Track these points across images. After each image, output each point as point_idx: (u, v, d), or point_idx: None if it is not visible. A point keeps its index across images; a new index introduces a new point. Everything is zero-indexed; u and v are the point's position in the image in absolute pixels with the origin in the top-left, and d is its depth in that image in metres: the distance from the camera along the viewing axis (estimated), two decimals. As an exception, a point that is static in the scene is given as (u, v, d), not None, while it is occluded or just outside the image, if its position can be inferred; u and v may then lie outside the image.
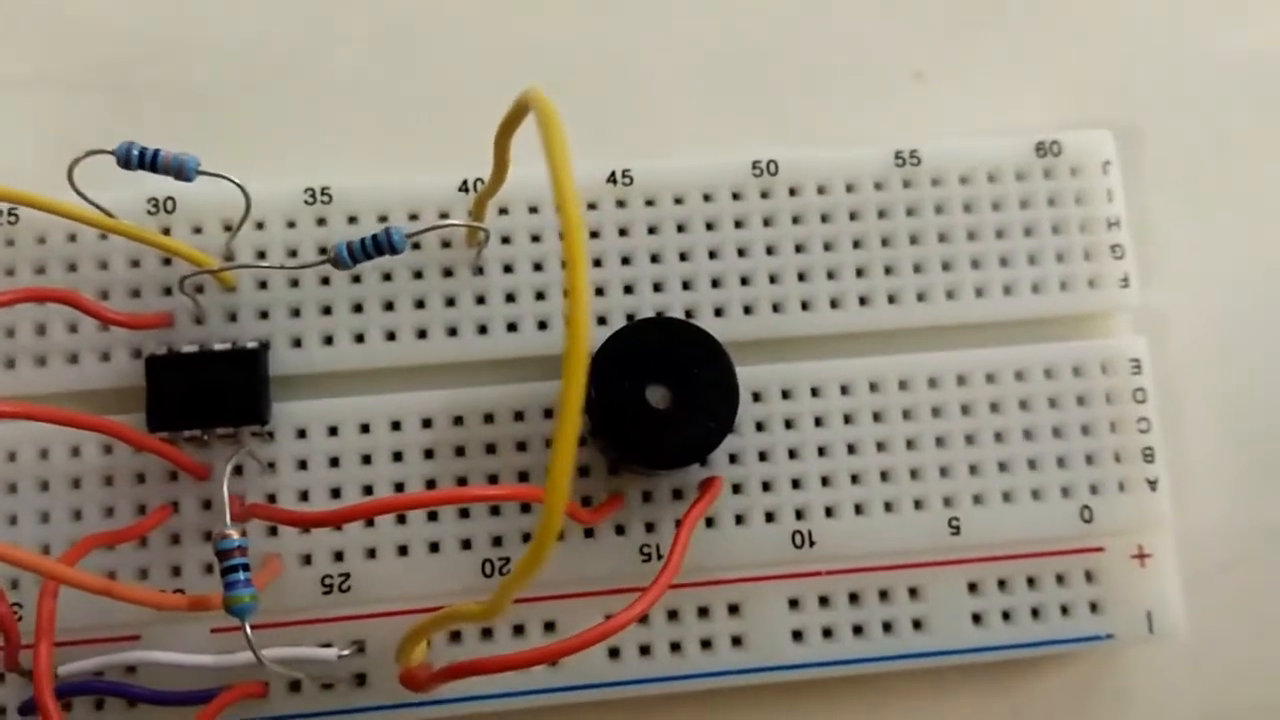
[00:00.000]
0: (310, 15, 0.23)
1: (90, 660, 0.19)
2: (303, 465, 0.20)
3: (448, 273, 0.21)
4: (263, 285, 0.21)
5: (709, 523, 0.20)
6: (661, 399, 0.19)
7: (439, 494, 0.19)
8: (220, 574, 0.17)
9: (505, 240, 0.21)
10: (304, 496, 0.20)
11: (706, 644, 0.20)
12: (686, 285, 0.21)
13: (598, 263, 0.21)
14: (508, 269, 0.21)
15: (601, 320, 0.21)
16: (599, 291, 0.21)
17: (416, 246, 0.21)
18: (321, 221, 0.21)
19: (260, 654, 0.17)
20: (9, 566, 0.19)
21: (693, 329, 0.19)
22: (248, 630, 0.17)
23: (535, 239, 0.21)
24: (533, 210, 0.21)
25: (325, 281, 0.21)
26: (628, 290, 0.21)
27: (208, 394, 0.20)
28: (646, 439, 0.19)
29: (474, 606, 0.14)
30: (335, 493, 0.20)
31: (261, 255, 0.21)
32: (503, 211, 0.21)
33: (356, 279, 0.21)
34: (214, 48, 0.23)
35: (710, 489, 0.19)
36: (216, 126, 0.22)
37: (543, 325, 0.21)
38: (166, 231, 0.21)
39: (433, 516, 0.20)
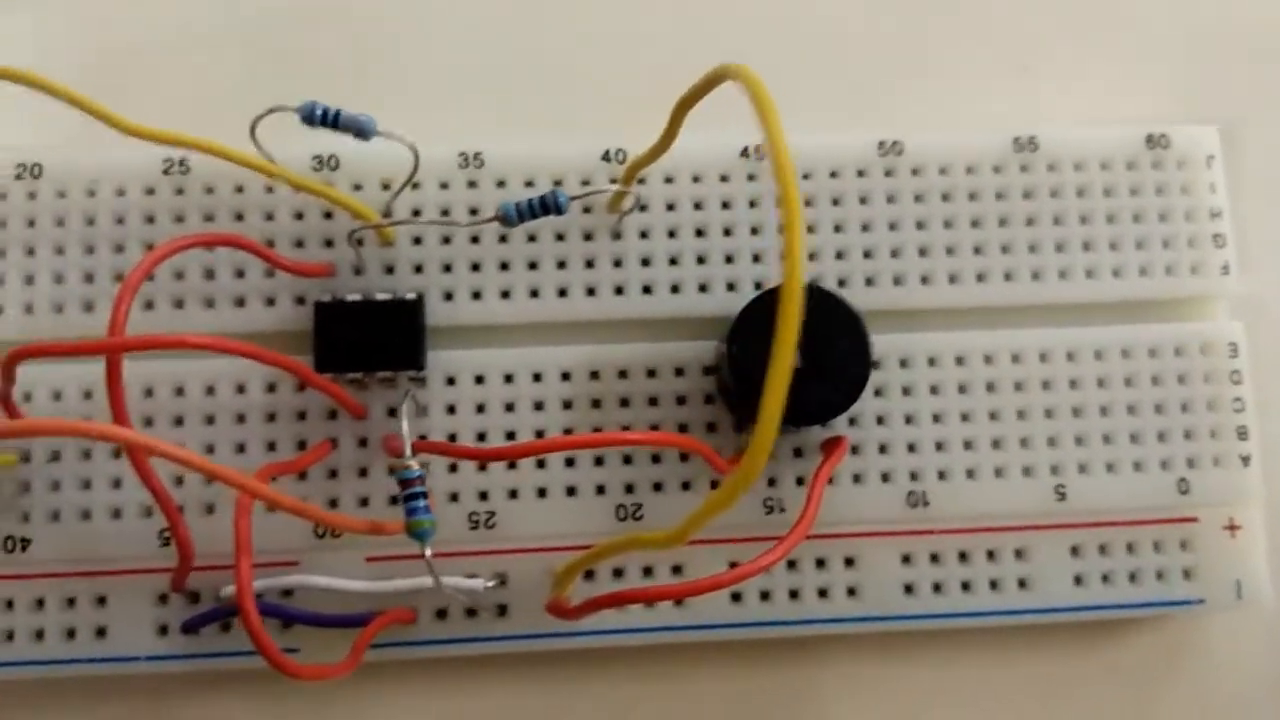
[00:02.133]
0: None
1: (258, 582, 0.20)
2: (451, 410, 0.22)
3: (588, 236, 0.22)
4: (417, 241, 0.22)
5: (829, 481, 0.22)
6: (796, 361, 0.20)
7: (600, 436, 0.20)
8: (402, 500, 0.18)
9: (642, 208, 0.22)
10: (451, 439, 0.22)
11: (823, 593, 0.22)
12: (812, 256, 0.23)
13: (727, 232, 0.23)
14: (643, 235, 0.22)
15: (730, 286, 0.22)
16: (728, 258, 0.22)
17: (587, 210, 0.22)
18: (472, 184, 0.22)
19: (439, 577, 0.18)
20: (185, 493, 0.21)
21: (832, 297, 0.20)
22: (428, 553, 0.18)
23: (670, 207, 0.22)
24: (668, 180, 0.22)
25: (475, 240, 0.22)
26: (755, 259, 0.23)
27: (371, 340, 0.21)
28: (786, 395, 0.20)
29: (658, 535, 0.15)
30: (480, 436, 0.22)
31: (416, 213, 0.22)
32: (639, 181, 0.23)
33: (503, 239, 0.22)
34: (369, 14, 0.24)
35: (838, 449, 0.21)
36: (367, 90, 0.24)
37: (675, 289, 0.22)
38: (329, 185, 0.22)
39: (569, 463, 0.22)
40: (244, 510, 0.18)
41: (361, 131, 0.20)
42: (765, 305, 0.20)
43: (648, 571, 0.22)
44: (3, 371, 0.18)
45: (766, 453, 0.14)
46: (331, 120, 0.20)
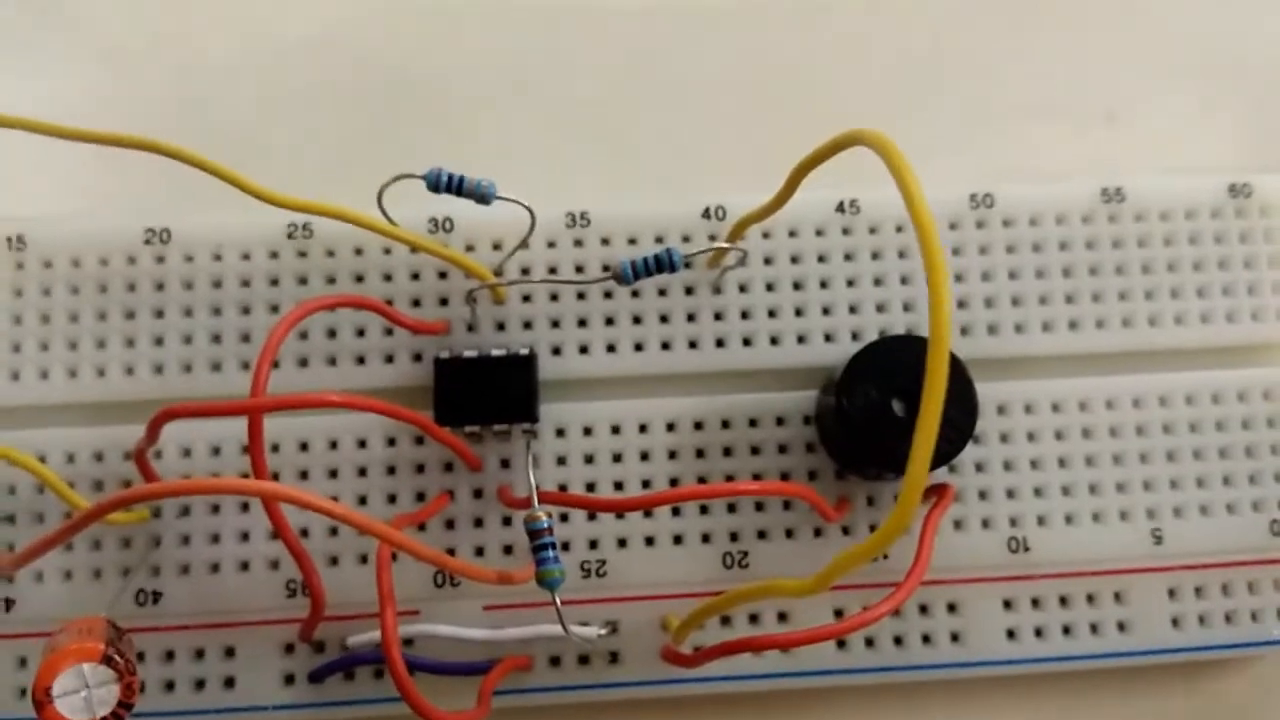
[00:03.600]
0: (555, 47, 0.25)
1: (377, 633, 0.21)
2: (561, 461, 0.22)
3: (689, 291, 0.23)
4: (527, 299, 0.23)
5: (931, 526, 0.22)
6: (903, 409, 0.21)
7: (716, 487, 0.21)
8: (532, 551, 0.19)
9: (740, 263, 0.23)
10: (561, 489, 0.22)
11: (927, 639, 0.22)
12: (906, 307, 0.23)
13: (824, 284, 0.23)
14: (743, 288, 0.23)
15: (828, 337, 0.23)
16: (825, 310, 0.23)
17: (688, 265, 0.23)
18: (579, 242, 0.23)
19: (568, 626, 0.18)
20: (310, 546, 0.21)
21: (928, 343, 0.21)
22: (557, 602, 0.19)
23: (768, 261, 0.23)
24: (765, 235, 0.23)
25: (581, 297, 0.23)
26: (852, 311, 0.23)
27: (487, 394, 0.22)
28: (889, 445, 0.21)
29: (797, 582, 0.16)
30: (589, 487, 0.22)
31: (525, 271, 0.23)
32: (739, 237, 0.23)
33: (608, 295, 0.23)
34: (473, 76, 0.25)
35: (945, 496, 0.21)
36: (471, 150, 0.25)
37: (774, 340, 0.23)
38: (446, 246, 0.23)
39: (675, 512, 0.22)
40: (385, 563, 0.18)
41: (483, 197, 0.21)
42: (870, 356, 0.21)
43: (753, 619, 0.22)
44: (149, 430, 0.19)
45: (916, 504, 0.14)
46: (455, 187, 0.21)
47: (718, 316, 0.23)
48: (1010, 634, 0.22)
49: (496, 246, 0.23)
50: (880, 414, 0.21)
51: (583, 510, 0.21)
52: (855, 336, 0.23)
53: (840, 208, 0.23)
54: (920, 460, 0.14)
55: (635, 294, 0.23)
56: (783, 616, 0.22)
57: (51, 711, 0.16)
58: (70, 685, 0.16)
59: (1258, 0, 0.26)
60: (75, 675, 0.16)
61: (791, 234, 0.23)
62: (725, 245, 0.21)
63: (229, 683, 0.22)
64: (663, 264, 0.20)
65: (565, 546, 0.22)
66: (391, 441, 0.22)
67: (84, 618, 0.18)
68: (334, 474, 0.22)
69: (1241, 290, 0.24)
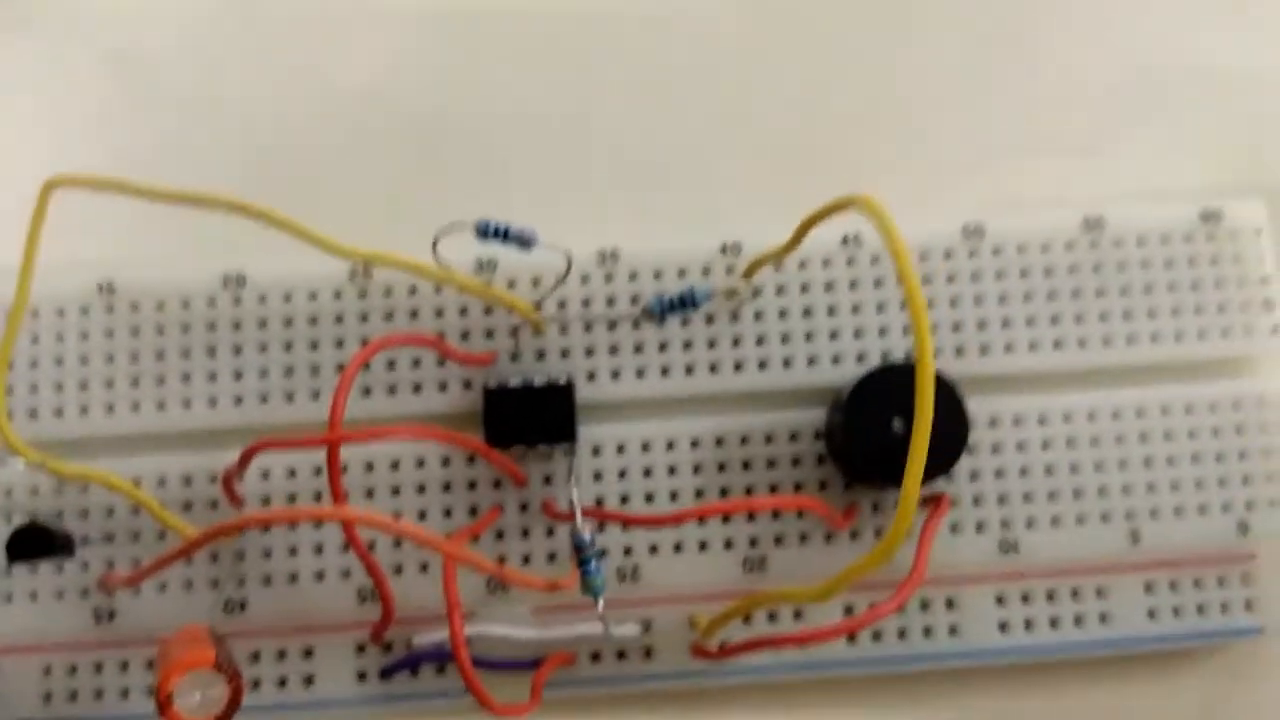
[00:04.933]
0: (587, 95, 0.28)
1: (441, 633, 0.24)
2: (597, 476, 0.25)
3: (709, 320, 0.26)
4: (563, 330, 0.25)
5: (929, 530, 0.25)
6: (902, 427, 0.23)
7: (739, 502, 0.23)
8: (578, 563, 0.21)
9: (755, 293, 0.26)
10: (598, 502, 0.25)
11: (927, 632, 0.25)
12: (906, 331, 0.26)
13: (831, 311, 0.26)
14: (757, 316, 0.26)
15: (835, 360, 0.25)
16: (832, 335, 0.26)
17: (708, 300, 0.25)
18: (609, 277, 0.26)
19: (609, 625, 0.21)
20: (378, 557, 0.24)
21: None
22: (600, 606, 0.21)
23: (780, 291, 0.26)
24: (776, 268, 0.26)
25: (612, 327, 0.25)
26: (856, 335, 0.26)
27: (531, 418, 0.24)
28: (890, 460, 0.23)
29: (809, 590, 0.18)
30: (623, 498, 0.25)
31: (562, 305, 0.25)
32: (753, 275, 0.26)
33: (636, 325, 0.25)
34: (508, 122, 0.28)
35: (942, 503, 0.24)
36: (508, 191, 0.27)
37: (786, 364, 0.25)
38: (488, 285, 0.25)
39: (700, 521, 0.25)
40: (451, 575, 0.21)
41: (526, 243, 0.23)
42: (874, 381, 0.23)
43: (771, 617, 0.25)
44: (241, 460, 0.22)
45: (909, 522, 0.17)
46: (501, 234, 0.23)
47: (735, 343, 0.26)
48: (1002, 627, 0.25)
49: (535, 282, 0.26)
50: (882, 433, 0.23)
51: (629, 524, 0.24)
52: (860, 359, 0.25)
53: (844, 241, 0.26)
54: (911, 486, 0.17)
55: (661, 324, 0.25)
56: (798, 614, 0.25)
57: (174, 713, 0.18)
58: (187, 689, 0.19)
59: (1218, 36, 0.29)
60: (191, 680, 0.19)
61: (800, 266, 0.26)
62: (734, 283, 0.24)
63: (308, 681, 0.24)
64: (687, 301, 0.23)
65: (602, 553, 0.25)
66: (446, 462, 0.25)
67: (189, 626, 0.21)
68: (396, 491, 0.25)
69: (1212, 309, 0.26)
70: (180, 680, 0.19)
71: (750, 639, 0.22)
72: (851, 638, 0.25)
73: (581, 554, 0.21)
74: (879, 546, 0.17)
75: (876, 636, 0.25)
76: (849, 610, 0.25)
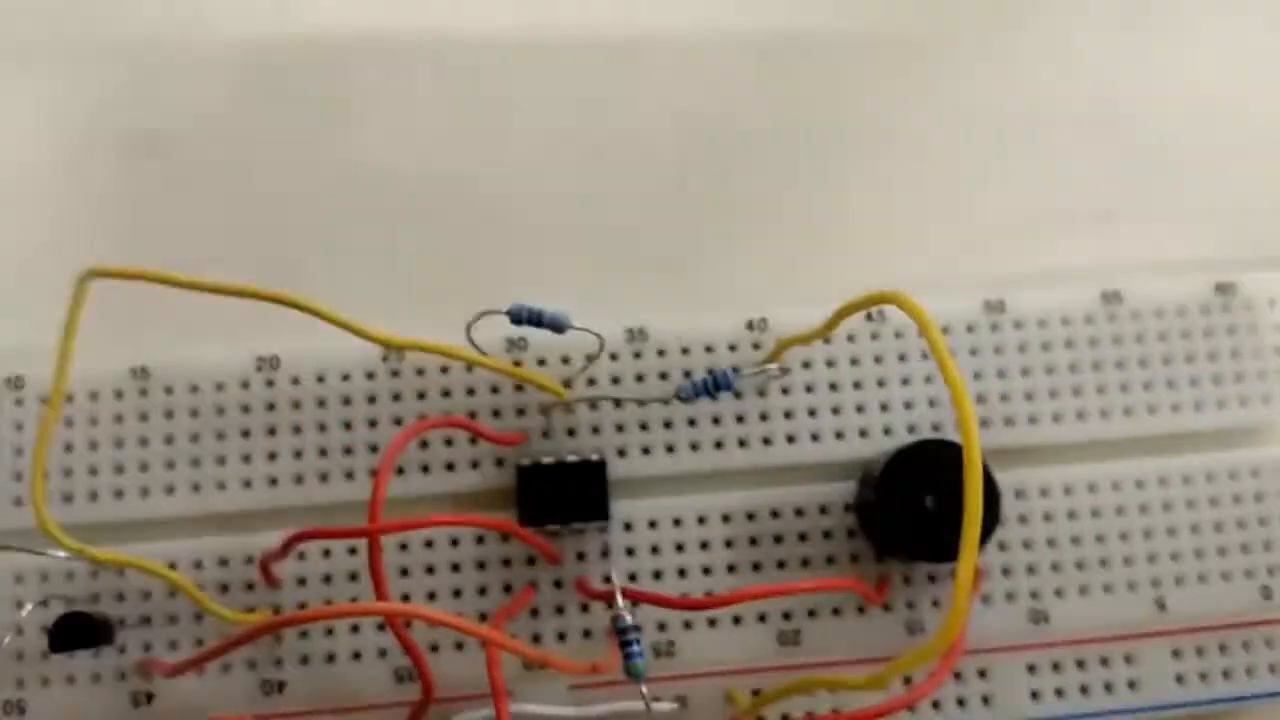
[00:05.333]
0: (605, 177, 0.28)
1: (478, 713, 0.24)
2: (629, 552, 0.25)
3: (737, 395, 0.26)
4: (593, 407, 0.26)
5: (959, 601, 0.25)
6: (933, 504, 0.24)
7: (777, 586, 0.23)
8: (620, 645, 0.21)
9: (785, 371, 0.26)
10: (631, 578, 0.25)
11: (961, 702, 0.25)
12: (931, 403, 0.26)
13: (857, 385, 0.26)
14: (785, 391, 0.26)
15: (862, 433, 0.26)
16: (858, 409, 0.26)
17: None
18: (637, 355, 0.26)
19: (651, 705, 0.21)
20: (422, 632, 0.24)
21: (958, 447, 0.24)
22: (643, 688, 0.21)
23: (806, 366, 0.26)
24: (803, 344, 0.26)
25: (641, 404, 0.26)
26: (882, 408, 0.26)
27: (565, 496, 0.24)
28: (926, 537, 0.23)
29: (862, 678, 0.18)
30: (656, 574, 0.25)
31: (591, 382, 0.26)
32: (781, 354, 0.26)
33: (665, 402, 0.26)
34: (537, 204, 0.28)
35: (977, 577, 0.24)
36: (537, 272, 0.28)
37: (814, 437, 0.26)
38: (518, 364, 0.26)
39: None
40: (496, 662, 0.21)
41: (559, 327, 0.23)
42: (906, 457, 0.24)
43: (805, 686, 0.25)
44: (283, 548, 0.22)
45: (966, 608, 0.17)
46: (534, 319, 0.23)
47: (763, 418, 0.26)
48: (1034, 695, 0.25)
49: (565, 360, 0.26)
50: (914, 509, 0.24)
51: (670, 608, 0.24)
52: (887, 431, 0.26)
53: (869, 316, 0.26)
54: (966, 571, 0.17)
55: (682, 402, 0.26)
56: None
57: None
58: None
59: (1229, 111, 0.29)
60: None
61: (826, 341, 0.26)
62: (767, 368, 0.24)
63: (345, 760, 0.24)
64: (720, 384, 0.23)
65: (640, 631, 0.25)
66: (480, 540, 0.25)
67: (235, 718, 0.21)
68: (430, 570, 0.25)
69: (1229, 379, 0.26)
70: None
71: (807, 716, 0.22)
72: (885, 710, 0.25)
73: (624, 637, 0.21)
74: (940, 634, 0.17)
75: (911, 708, 0.25)
76: (882, 682, 0.25)
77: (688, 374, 0.26)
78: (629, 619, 0.21)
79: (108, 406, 0.25)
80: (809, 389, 0.26)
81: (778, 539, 0.26)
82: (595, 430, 0.26)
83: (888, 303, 0.19)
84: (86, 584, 0.25)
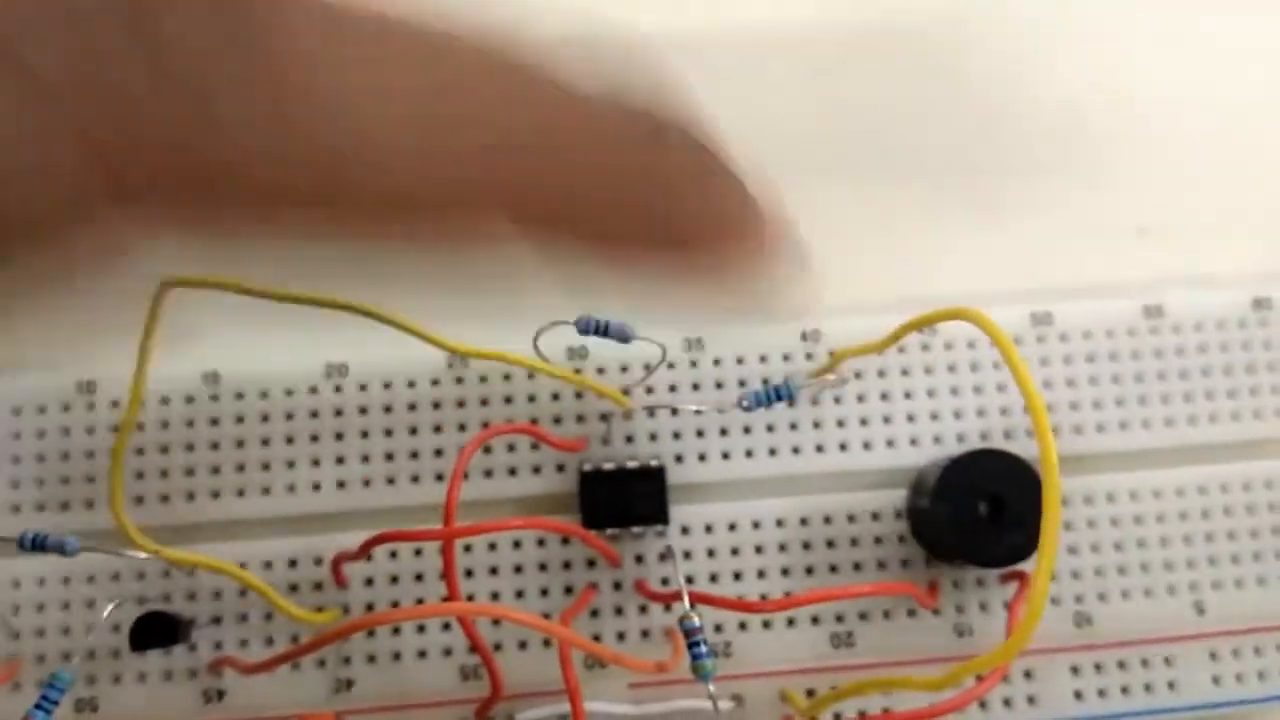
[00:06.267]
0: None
1: (541, 710, 0.25)
2: (686, 555, 0.26)
3: (791, 404, 0.27)
4: (651, 414, 0.26)
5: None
6: (986, 510, 0.24)
7: (836, 590, 0.24)
8: (688, 646, 0.22)
9: (844, 381, 0.27)
10: (688, 580, 0.26)
11: (1007, 703, 0.26)
12: (979, 413, 0.27)
13: (907, 395, 0.27)
14: (837, 400, 0.27)
15: (913, 441, 0.27)
16: (909, 418, 0.27)
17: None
18: (694, 363, 0.27)
19: (718, 704, 0.22)
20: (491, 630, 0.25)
21: (1010, 456, 0.25)
22: (710, 688, 0.22)
23: (858, 376, 0.27)
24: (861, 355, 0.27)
25: (698, 412, 0.26)
26: (932, 417, 0.27)
27: (625, 501, 0.25)
28: (975, 542, 0.24)
29: (927, 680, 0.19)
30: (712, 576, 0.26)
31: (649, 390, 0.26)
32: (830, 353, 0.27)
33: (721, 410, 0.26)
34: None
35: (1025, 582, 0.25)
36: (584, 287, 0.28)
37: (866, 446, 0.27)
38: (578, 372, 0.26)
39: (788, 595, 0.26)
40: (568, 659, 0.22)
41: (625, 338, 0.24)
42: (959, 467, 0.24)
43: (857, 687, 0.26)
44: (361, 550, 0.23)
45: (1039, 616, 0.18)
46: (601, 330, 0.24)
47: (816, 425, 0.27)
48: (1078, 695, 0.26)
49: (624, 369, 0.27)
50: (968, 516, 0.24)
51: (733, 611, 0.25)
52: (936, 440, 0.27)
53: (920, 330, 0.27)
54: (1042, 581, 0.18)
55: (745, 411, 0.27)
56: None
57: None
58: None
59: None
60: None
61: (878, 353, 0.27)
62: (831, 376, 0.25)
63: (413, 756, 0.25)
64: (781, 394, 0.24)
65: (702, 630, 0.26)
66: (541, 543, 0.26)
67: (311, 716, 0.22)
68: (494, 571, 0.26)
69: (1266, 390, 0.27)
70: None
71: (861, 717, 0.23)
72: (933, 709, 0.26)
73: (690, 638, 0.22)
74: (1010, 640, 0.18)
75: (962, 708, 0.26)
76: (931, 683, 0.26)
77: (742, 383, 0.27)
78: (697, 621, 0.22)
79: (179, 411, 0.26)
80: (861, 399, 0.27)
81: (830, 544, 0.26)
82: (653, 437, 0.26)
83: (962, 319, 0.20)
84: (158, 584, 0.25)
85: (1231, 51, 0.31)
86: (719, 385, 0.27)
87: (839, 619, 0.26)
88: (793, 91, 0.30)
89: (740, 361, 0.27)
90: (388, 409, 0.26)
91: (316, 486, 0.26)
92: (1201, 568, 0.27)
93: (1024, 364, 0.19)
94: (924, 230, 0.29)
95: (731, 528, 0.26)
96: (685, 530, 0.26)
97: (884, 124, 0.30)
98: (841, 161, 0.30)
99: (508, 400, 0.26)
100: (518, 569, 0.26)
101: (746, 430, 0.27)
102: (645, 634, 0.26)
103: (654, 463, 0.26)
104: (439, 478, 0.26)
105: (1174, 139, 0.30)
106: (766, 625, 0.26)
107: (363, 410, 0.26)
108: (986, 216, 0.29)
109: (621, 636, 0.26)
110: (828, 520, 0.26)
